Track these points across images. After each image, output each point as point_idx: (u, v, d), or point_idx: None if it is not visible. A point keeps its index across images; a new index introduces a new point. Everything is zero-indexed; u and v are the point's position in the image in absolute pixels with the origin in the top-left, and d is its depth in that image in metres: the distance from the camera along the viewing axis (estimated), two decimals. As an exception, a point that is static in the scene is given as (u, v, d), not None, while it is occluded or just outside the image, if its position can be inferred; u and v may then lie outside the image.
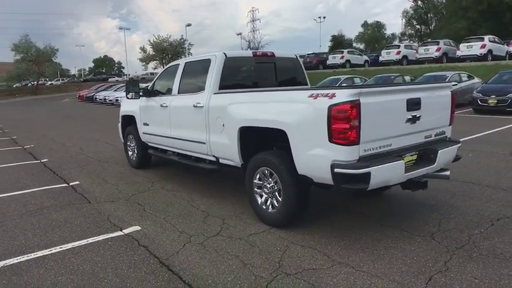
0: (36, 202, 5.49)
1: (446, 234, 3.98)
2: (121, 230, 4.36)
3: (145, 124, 6.73)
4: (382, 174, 3.52)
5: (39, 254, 3.83)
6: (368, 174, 3.40)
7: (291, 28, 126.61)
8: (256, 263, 3.49)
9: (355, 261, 3.47)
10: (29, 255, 3.81)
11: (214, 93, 5.02)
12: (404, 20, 65.27)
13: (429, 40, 37.57)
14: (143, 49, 50.93)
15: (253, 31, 62.95)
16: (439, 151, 4.07)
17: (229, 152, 4.75)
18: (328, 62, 34.36)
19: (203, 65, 5.36)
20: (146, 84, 7.49)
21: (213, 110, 4.95)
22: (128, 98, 6.93)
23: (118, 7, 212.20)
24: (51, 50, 47.85)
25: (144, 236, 4.18)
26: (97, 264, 3.57)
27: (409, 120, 3.87)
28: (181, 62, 6.08)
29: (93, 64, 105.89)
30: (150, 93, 6.50)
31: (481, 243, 3.73)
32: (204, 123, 5.11)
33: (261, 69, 5.67)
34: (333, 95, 3.47)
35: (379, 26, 75.12)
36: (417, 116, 3.92)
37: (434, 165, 4.07)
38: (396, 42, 54.31)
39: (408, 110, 3.84)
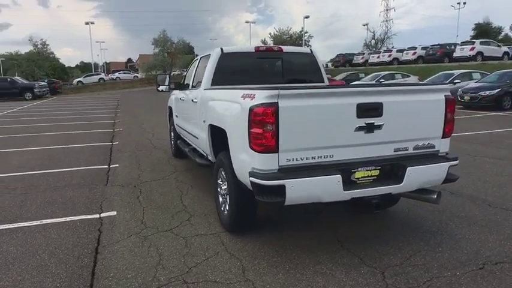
0: (67, 179, 6.28)
1: (406, 270, 3.25)
2: (99, 214, 4.72)
3: (176, 116, 7.06)
4: (304, 189, 3.06)
5: (20, 225, 4.41)
6: (282, 187, 3.00)
7: (435, 16, 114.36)
8: (170, 265, 3.41)
9: (265, 282, 3.11)
10: (13, 224, 4.42)
11: (205, 89, 5.00)
12: None
13: None
14: (264, 42, 52.54)
15: (386, 21, 59.01)
16: (408, 168, 3.32)
17: (207, 148, 4.69)
18: (454, 55, 30.31)
19: (207, 61, 5.36)
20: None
21: (200, 105, 4.94)
22: (158, 90, 7.37)
23: (256, 1, 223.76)
24: (183, 44, 53.26)
25: (110, 222, 4.45)
26: (47, 241, 3.95)
27: (361, 128, 3.24)
28: (199, 56, 6.18)
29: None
30: (178, 86, 6.77)
31: (436, 289, 2.96)
32: (197, 118, 5.13)
33: (265, 66, 5.39)
34: (253, 96, 3.14)
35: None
36: (375, 124, 3.26)
37: (401, 184, 3.34)
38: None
39: (359, 116, 3.22)
